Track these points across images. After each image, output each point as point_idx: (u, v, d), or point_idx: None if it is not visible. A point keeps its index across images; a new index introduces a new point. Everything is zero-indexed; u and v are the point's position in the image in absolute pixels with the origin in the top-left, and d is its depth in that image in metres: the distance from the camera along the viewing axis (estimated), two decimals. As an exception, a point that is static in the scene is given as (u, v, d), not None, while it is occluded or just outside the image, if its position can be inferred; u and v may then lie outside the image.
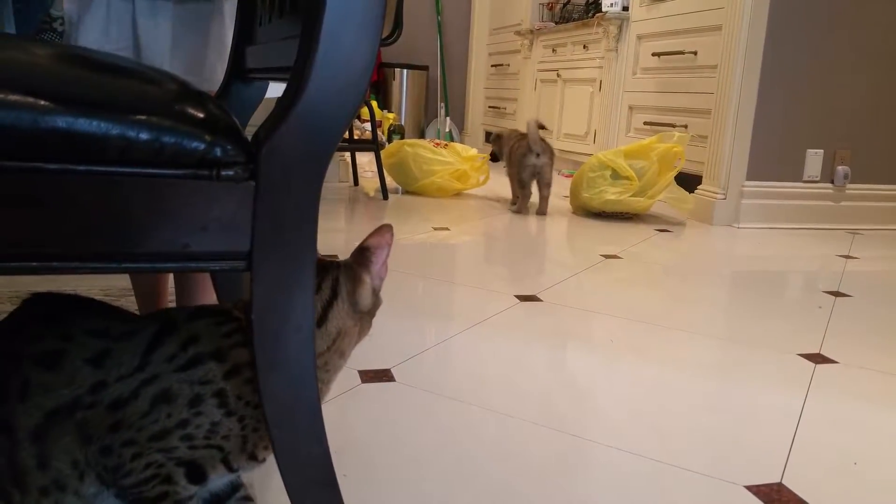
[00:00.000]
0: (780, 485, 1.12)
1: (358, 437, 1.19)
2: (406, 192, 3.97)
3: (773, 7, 3.20)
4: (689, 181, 3.55)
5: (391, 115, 6.49)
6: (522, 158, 3.45)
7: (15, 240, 0.54)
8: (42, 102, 0.54)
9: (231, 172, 0.57)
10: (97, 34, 1.17)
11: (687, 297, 2.18)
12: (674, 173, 3.32)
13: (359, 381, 1.40)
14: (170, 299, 1.50)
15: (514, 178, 3.57)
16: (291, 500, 0.70)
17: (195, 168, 0.56)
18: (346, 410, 1.28)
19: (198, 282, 1.37)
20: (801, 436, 1.28)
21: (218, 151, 0.57)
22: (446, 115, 7.08)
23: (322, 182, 0.60)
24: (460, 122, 7.29)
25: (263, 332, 0.61)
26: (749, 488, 1.10)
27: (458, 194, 3.98)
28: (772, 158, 3.38)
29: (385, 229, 0.77)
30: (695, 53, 3.62)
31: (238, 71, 1.16)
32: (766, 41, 3.23)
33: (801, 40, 3.29)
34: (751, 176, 3.36)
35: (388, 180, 3.89)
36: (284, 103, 0.58)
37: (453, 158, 3.90)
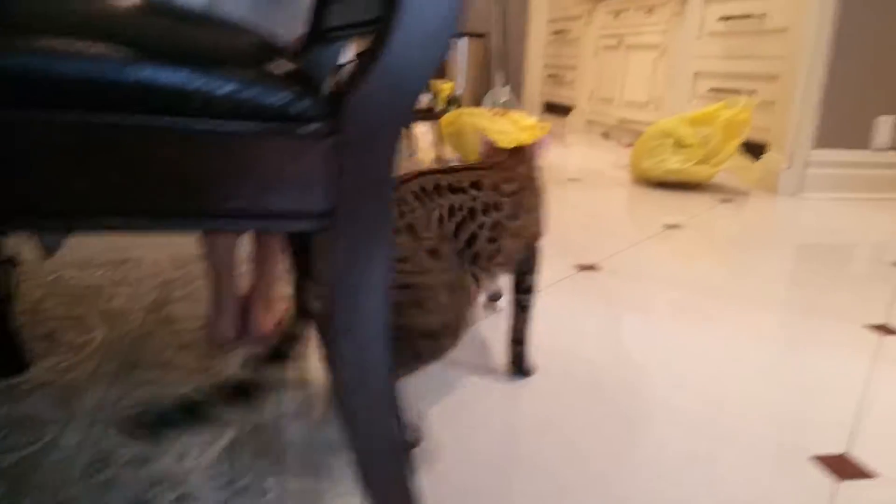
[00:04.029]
0: (845, 455, 1.10)
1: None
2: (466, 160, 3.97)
3: (847, -32, 3.08)
4: (755, 149, 3.47)
5: (448, 85, 6.46)
6: None
7: (96, 195, 0.56)
8: (124, 54, 0.55)
9: (312, 128, 0.58)
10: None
11: (750, 269, 2.14)
12: (739, 141, 3.24)
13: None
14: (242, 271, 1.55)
15: None
16: (358, 471, 0.71)
17: (276, 122, 0.57)
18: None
19: (274, 251, 1.40)
20: (866, 406, 1.26)
21: (299, 106, 0.58)
22: (505, 84, 7.02)
23: (400, 142, 0.61)
24: (518, 92, 7.22)
25: (342, 294, 0.62)
26: (814, 458, 1.09)
27: (516, 163, 3.96)
28: (840, 126, 3.27)
29: None
30: (763, 16, 3.51)
31: (318, 31, 1.17)
32: (837, 2, 3.11)
33: (875, 2, 3.16)
34: (818, 144, 3.26)
35: (448, 150, 3.88)
36: (368, 57, 0.58)
37: (512, 127, 3.87)
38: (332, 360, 0.66)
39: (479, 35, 6.93)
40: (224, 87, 0.57)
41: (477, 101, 7.01)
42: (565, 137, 5.52)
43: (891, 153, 3.38)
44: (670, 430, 1.16)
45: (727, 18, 3.83)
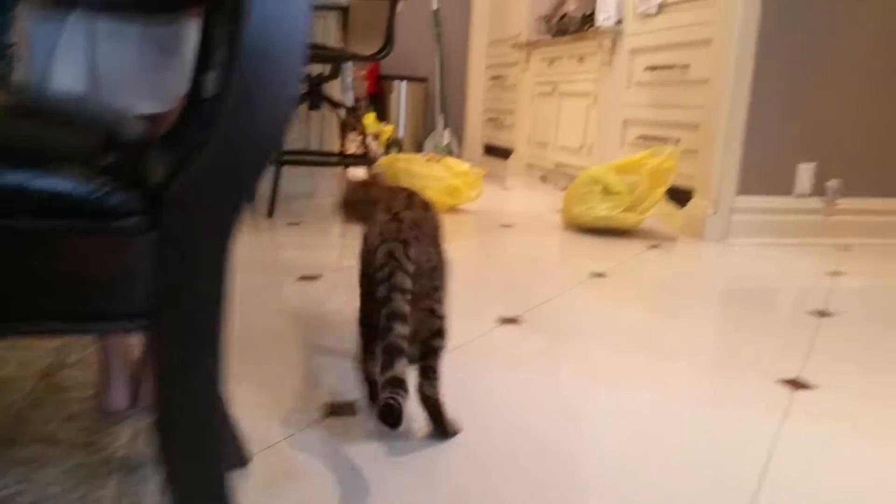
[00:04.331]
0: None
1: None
2: (398, 206, 3.95)
3: (763, 21, 3.18)
4: (681, 195, 3.53)
5: (389, 128, 6.48)
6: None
7: None
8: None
9: (131, 222, 0.55)
10: (54, 61, 1.16)
11: (670, 317, 2.16)
12: (664, 189, 3.30)
13: (321, 415, 1.38)
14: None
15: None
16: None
17: (90, 219, 0.54)
18: (302, 448, 1.26)
19: None
20: (772, 467, 1.26)
21: (115, 200, 0.56)
22: (445, 127, 7.07)
23: (234, 230, 0.58)
24: (459, 135, 7.27)
25: (167, 399, 0.59)
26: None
27: (450, 210, 3.96)
28: (762, 173, 3.36)
29: None
30: (686, 67, 3.60)
31: (195, 97, 1.15)
32: (756, 55, 3.21)
33: (791, 54, 3.27)
34: (741, 191, 3.34)
35: (380, 195, 3.87)
36: (189, 144, 0.56)
37: (445, 174, 3.88)
38: (160, 453, 0.62)
39: (420, 79, 6.99)
40: (35, 182, 0.54)
41: (418, 144, 7.05)
42: (505, 181, 5.56)
43: (812, 199, 3.47)
44: (581, 498, 1.14)
45: (653, 69, 3.92)
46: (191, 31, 1.24)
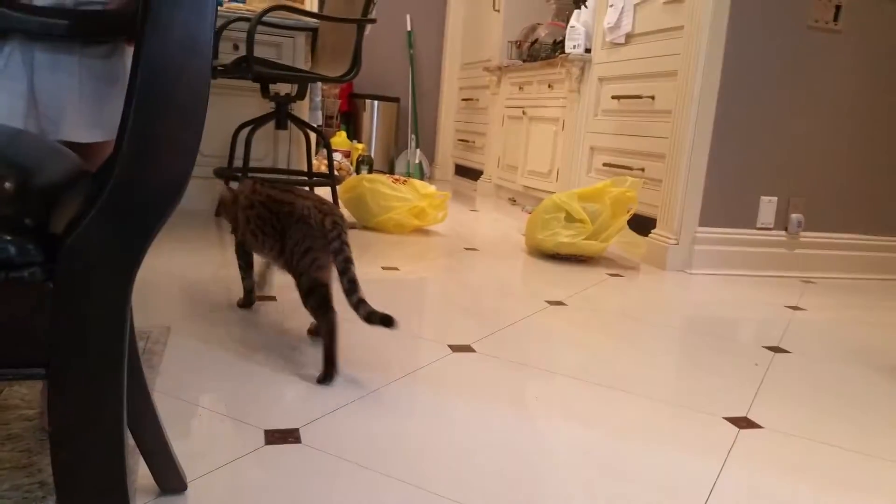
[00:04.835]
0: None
1: (248, 507, 1.15)
2: (364, 227, 3.94)
3: (727, 55, 3.23)
4: (644, 224, 3.56)
5: (360, 146, 6.47)
6: None
7: None
8: None
9: (24, 274, 0.54)
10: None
11: (623, 349, 2.16)
12: (626, 218, 3.32)
13: (262, 441, 1.35)
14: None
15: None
16: None
17: (-21, 269, 0.53)
18: (241, 476, 1.24)
19: None
20: (709, 510, 1.25)
21: (11, 250, 0.54)
22: (416, 146, 7.08)
23: (132, 278, 0.57)
24: (430, 155, 7.29)
25: (63, 451, 0.57)
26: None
27: (417, 231, 3.96)
28: (725, 205, 3.39)
29: None
30: (652, 98, 3.64)
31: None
32: (720, 88, 3.25)
33: (756, 88, 3.32)
34: (704, 222, 3.37)
35: (346, 215, 3.87)
36: (89, 194, 0.55)
37: (411, 195, 3.88)
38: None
39: (393, 99, 7.00)
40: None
41: (389, 163, 7.05)
42: (474, 201, 5.58)
43: (774, 232, 3.51)
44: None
45: (619, 98, 3.96)
46: (129, 62, 1.23)
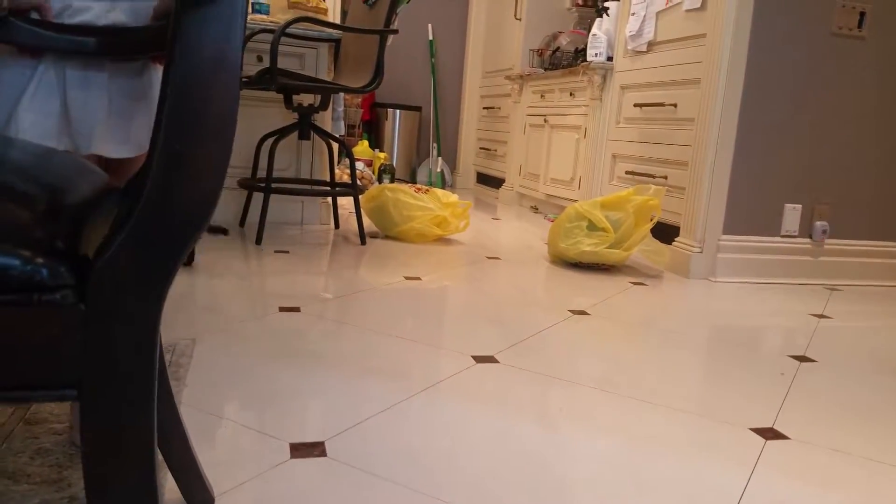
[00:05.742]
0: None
1: (274, 519, 1.16)
2: (387, 236, 3.96)
3: (750, 62, 3.21)
4: (668, 232, 3.54)
5: (382, 155, 6.50)
6: None
7: None
8: None
9: (56, 296, 0.55)
10: (22, 107, 1.17)
11: (647, 358, 2.15)
12: (649, 226, 3.31)
13: (288, 455, 1.36)
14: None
15: None
16: None
17: (14, 293, 0.54)
18: (268, 490, 1.25)
19: None
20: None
21: (44, 273, 0.55)
22: (438, 155, 7.10)
23: (163, 299, 0.58)
24: (452, 163, 7.30)
25: (94, 474, 0.58)
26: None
27: (439, 240, 3.96)
28: (749, 213, 3.37)
29: None
30: (675, 106, 3.62)
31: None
32: (743, 95, 3.23)
33: (779, 95, 3.29)
34: (727, 230, 3.34)
35: (368, 224, 3.89)
36: (119, 215, 0.56)
37: (433, 204, 3.88)
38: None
39: (415, 108, 7.03)
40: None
41: (411, 172, 7.07)
42: (496, 210, 5.58)
43: (798, 239, 3.48)
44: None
45: (641, 106, 3.94)
46: (157, 78, 1.25)
